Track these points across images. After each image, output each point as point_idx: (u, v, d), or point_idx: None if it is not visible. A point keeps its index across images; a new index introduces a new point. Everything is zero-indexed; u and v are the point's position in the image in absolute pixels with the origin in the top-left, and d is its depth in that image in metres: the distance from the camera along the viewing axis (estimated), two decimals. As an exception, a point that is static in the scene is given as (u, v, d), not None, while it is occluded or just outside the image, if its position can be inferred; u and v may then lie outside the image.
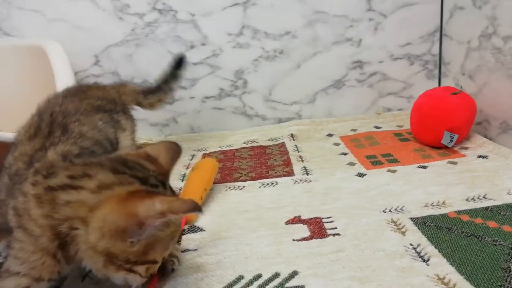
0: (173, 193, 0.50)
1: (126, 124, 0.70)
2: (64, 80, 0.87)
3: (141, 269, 0.45)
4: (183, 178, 0.91)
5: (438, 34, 1.16)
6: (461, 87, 0.95)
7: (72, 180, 0.45)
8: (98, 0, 1.08)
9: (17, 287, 0.45)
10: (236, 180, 0.88)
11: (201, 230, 0.68)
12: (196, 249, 0.63)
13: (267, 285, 0.53)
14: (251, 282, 0.54)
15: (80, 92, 0.69)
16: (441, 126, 0.91)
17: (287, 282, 0.53)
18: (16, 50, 0.99)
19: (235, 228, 0.68)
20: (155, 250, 0.45)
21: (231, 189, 0.84)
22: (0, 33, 1.08)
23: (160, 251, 0.46)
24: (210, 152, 1.07)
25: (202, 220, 0.71)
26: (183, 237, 0.67)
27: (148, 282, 0.51)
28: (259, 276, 0.55)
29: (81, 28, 1.10)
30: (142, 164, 0.48)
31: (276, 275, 0.55)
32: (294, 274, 0.55)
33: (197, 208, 0.43)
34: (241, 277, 0.55)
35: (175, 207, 0.42)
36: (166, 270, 0.56)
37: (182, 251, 0.62)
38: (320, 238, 0.63)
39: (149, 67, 1.14)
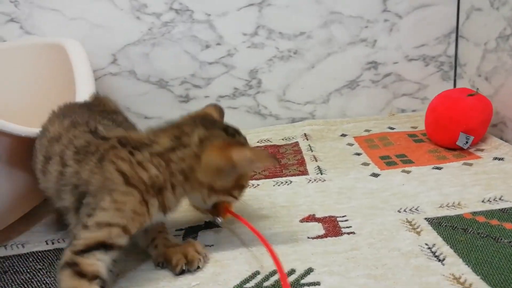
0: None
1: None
2: (83, 78, 0.89)
3: (236, 192, 0.61)
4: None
5: (454, 36, 1.16)
6: (477, 88, 0.95)
7: (177, 140, 0.57)
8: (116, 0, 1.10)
9: (108, 235, 0.51)
10: (250, 178, 0.89)
11: (217, 226, 0.69)
12: (212, 245, 0.64)
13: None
14: (267, 278, 0.55)
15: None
16: (457, 128, 0.90)
17: (303, 279, 0.54)
18: (37, 48, 1.02)
19: (250, 225, 0.69)
20: (244, 179, 0.61)
21: (246, 187, 0.84)
22: (21, 32, 1.10)
23: (247, 179, 0.63)
24: (224, 151, 1.08)
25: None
26: (199, 232, 0.68)
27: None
28: (275, 272, 0.56)
29: (100, 27, 1.12)
30: (215, 120, 0.63)
31: (292, 271, 0.56)
32: (309, 271, 0.55)
33: (274, 157, 0.59)
34: (257, 273, 0.56)
35: (261, 156, 0.57)
36: (192, 265, 0.57)
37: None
38: (335, 237, 0.63)
39: (165, 66, 1.15)
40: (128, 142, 0.57)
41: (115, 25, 1.12)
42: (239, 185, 0.61)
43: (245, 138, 0.63)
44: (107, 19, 1.11)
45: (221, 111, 0.69)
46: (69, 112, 0.67)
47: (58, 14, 1.11)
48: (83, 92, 0.85)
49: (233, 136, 0.61)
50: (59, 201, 0.58)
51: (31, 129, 0.68)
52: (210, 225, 0.70)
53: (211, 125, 0.60)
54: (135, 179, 0.54)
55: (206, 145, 0.57)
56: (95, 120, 0.63)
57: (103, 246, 0.51)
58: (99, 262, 0.50)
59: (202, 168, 0.56)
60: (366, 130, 1.12)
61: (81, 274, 0.49)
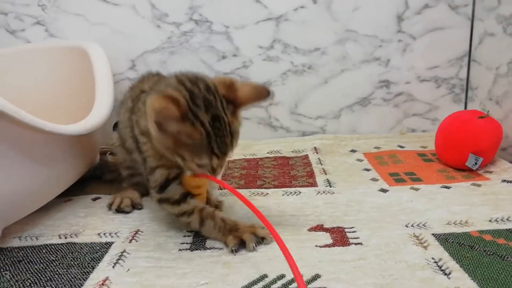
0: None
1: None
2: (103, 80, 0.92)
3: (179, 159, 0.62)
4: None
5: (466, 59, 1.18)
6: (488, 111, 0.96)
7: (154, 85, 0.69)
8: (138, 7, 1.14)
9: (163, 174, 0.67)
10: (260, 187, 0.90)
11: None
12: (221, 248, 0.65)
13: (290, 284, 0.55)
14: (274, 281, 0.56)
15: None
16: (466, 149, 0.91)
17: (310, 284, 0.55)
18: (60, 50, 1.05)
19: (259, 231, 0.70)
20: (183, 150, 0.60)
21: (255, 195, 0.86)
22: (46, 34, 1.15)
23: (189, 155, 0.60)
24: (235, 160, 1.09)
25: (227, 221, 0.74)
26: (209, 235, 0.69)
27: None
28: (282, 276, 0.56)
29: (121, 33, 1.16)
30: (211, 87, 0.60)
31: (299, 276, 0.56)
32: (316, 276, 0.56)
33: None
34: (265, 276, 0.57)
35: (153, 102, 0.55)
36: (248, 247, 0.63)
37: (208, 248, 0.64)
38: (343, 246, 0.64)
39: (182, 74, 1.18)
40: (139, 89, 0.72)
41: (136, 32, 1.16)
42: (179, 154, 0.60)
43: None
44: (128, 26, 1.15)
45: (258, 93, 0.62)
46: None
47: (82, 18, 1.15)
48: (103, 94, 0.88)
49: (197, 106, 0.57)
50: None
51: (69, 127, 0.71)
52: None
53: (188, 82, 0.60)
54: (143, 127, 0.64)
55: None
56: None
57: (170, 180, 0.67)
58: (177, 191, 0.67)
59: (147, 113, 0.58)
60: (376, 147, 1.13)
61: (175, 202, 0.67)
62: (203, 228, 0.66)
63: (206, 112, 0.57)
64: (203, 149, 0.58)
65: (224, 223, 0.65)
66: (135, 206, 0.80)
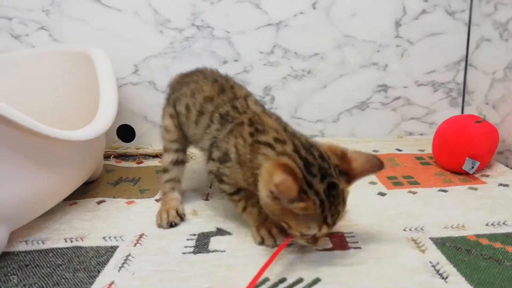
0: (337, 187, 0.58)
1: None
2: (107, 86, 0.93)
3: (284, 224, 0.59)
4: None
5: (463, 64, 1.19)
6: (485, 115, 0.98)
7: (275, 142, 0.61)
8: (141, 13, 1.16)
9: (236, 186, 0.69)
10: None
11: (229, 233, 0.72)
12: (224, 251, 0.66)
13: (291, 288, 0.56)
14: (276, 285, 0.57)
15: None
16: (463, 153, 0.93)
17: (311, 287, 0.56)
18: (64, 55, 1.06)
19: (261, 235, 0.71)
20: (287, 216, 0.58)
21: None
22: (50, 39, 1.16)
23: (290, 220, 0.58)
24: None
25: (229, 224, 0.75)
26: (212, 238, 0.71)
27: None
28: (283, 280, 0.58)
29: (124, 38, 1.17)
30: (325, 155, 0.60)
31: (300, 280, 0.58)
32: (317, 280, 0.58)
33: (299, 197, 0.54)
34: (266, 279, 0.58)
35: (285, 185, 0.53)
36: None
37: (211, 251, 0.66)
38: (342, 250, 0.66)
39: (183, 79, 1.20)
40: (258, 124, 0.65)
41: (138, 37, 1.17)
42: (284, 221, 0.59)
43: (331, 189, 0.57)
44: (131, 31, 1.17)
45: (372, 165, 0.61)
46: (216, 81, 0.79)
47: (86, 24, 1.16)
48: (107, 99, 0.89)
49: (313, 175, 0.56)
50: (201, 143, 0.75)
51: (72, 133, 0.72)
52: (221, 233, 0.73)
53: (304, 151, 0.59)
54: (242, 158, 0.64)
55: (279, 156, 0.58)
56: (239, 92, 0.75)
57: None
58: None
59: (261, 174, 0.58)
60: (374, 151, 1.15)
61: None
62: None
63: (322, 181, 0.56)
64: (314, 219, 0.57)
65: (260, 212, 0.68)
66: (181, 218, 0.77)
